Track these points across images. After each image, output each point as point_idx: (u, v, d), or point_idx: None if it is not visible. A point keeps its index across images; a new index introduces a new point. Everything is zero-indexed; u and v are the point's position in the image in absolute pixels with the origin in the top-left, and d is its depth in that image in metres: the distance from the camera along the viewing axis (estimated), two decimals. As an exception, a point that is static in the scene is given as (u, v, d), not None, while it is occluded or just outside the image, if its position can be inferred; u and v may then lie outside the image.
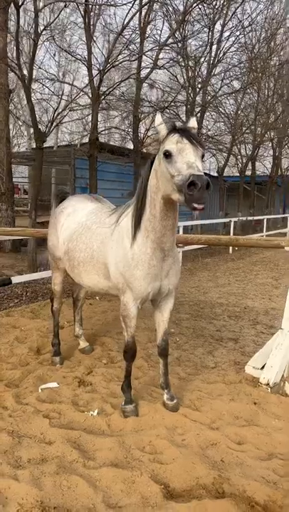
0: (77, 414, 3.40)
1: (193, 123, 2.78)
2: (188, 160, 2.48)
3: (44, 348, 4.85)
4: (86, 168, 11.79)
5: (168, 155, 2.58)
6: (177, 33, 13.66)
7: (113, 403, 3.59)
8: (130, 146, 16.42)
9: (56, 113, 8.90)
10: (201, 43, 15.42)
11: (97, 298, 7.25)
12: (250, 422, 3.41)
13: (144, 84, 12.66)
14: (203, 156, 2.61)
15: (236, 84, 17.95)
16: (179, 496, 2.60)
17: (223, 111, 17.94)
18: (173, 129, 2.62)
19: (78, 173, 12.70)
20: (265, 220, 17.78)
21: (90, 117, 12.37)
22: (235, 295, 8.23)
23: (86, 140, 15.47)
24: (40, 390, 3.79)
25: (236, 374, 4.30)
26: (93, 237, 3.49)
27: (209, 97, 16.09)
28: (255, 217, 17.68)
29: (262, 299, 7.99)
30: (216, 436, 3.17)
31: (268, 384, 3.89)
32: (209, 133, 17.10)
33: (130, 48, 11.19)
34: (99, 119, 11.53)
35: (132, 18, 10.99)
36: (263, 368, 4.14)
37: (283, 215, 24.44)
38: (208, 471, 2.76)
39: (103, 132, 12.68)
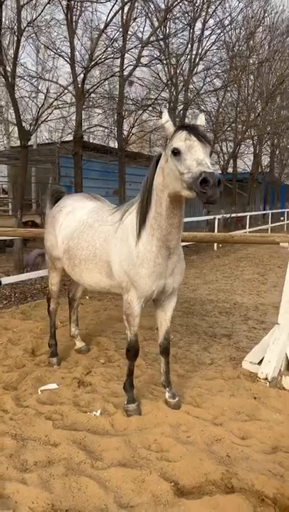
0: (80, 415, 3.38)
1: (201, 120, 2.78)
2: (197, 157, 2.48)
3: (39, 349, 4.80)
4: (70, 167, 11.68)
5: (176, 152, 2.58)
6: (159, 31, 13.66)
7: (115, 403, 3.58)
8: (113, 144, 16.37)
9: (40, 111, 8.77)
10: (182, 41, 15.45)
11: (87, 297, 7.21)
12: (252, 416, 3.45)
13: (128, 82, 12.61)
14: (211, 154, 2.62)
15: (218, 83, 18.08)
16: (189, 493, 2.61)
17: (204, 109, 18.03)
18: (180, 126, 2.62)
19: (62, 171, 12.57)
20: (248, 217, 17.98)
21: (71, 115, 12.30)
22: (223, 291, 8.30)
23: (68, 138, 15.37)
24: (39, 392, 3.74)
25: (233, 369, 4.34)
26: (96, 235, 3.47)
27: (191, 95, 16.16)
28: (239, 214, 17.84)
29: (250, 295, 8.09)
30: (220, 432, 3.20)
31: (266, 378, 3.94)
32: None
33: (113, 45, 11.10)
34: (82, 117, 11.41)
35: (114, 15, 10.93)
36: (260, 362, 4.19)
37: (264, 212, 24.82)
38: (216, 467, 2.78)
39: (88, 130, 12.54)
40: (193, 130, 2.57)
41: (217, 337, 5.49)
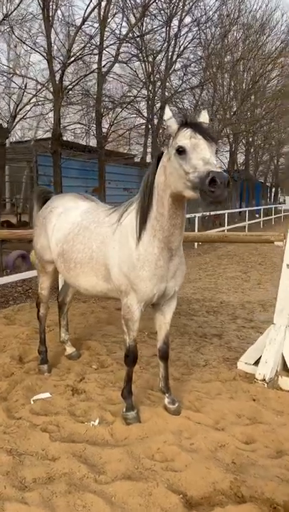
0: (77, 425, 3.23)
1: (204, 117, 2.67)
2: (203, 156, 2.38)
3: (27, 356, 4.60)
4: (49, 165, 11.42)
5: (181, 151, 2.47)
6: (136, 28, 13.54)
7: (112, 410, 3.45)
8: (91, 142, 16.15)
9: (18, 108, 8.50)
10: (159, 38, 15.39)
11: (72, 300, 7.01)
12: (254, 419, 3.39)
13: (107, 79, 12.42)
14: (216, 152, 2.52)
15: (194, 81, 18.09)
16: (198, 505, 2.51)
17: (182, 106, 18.02)
18: (184, 124, 2.51)
19: (40, 170, 12.28)
20: (226, 215, 18.08)
21: (49, 112, 12.02)
22: (208, 290, 8.27)
23: (44, 136, 15.05)
24: (32, 402, 3.57)
25: (229, 371, 4.28)
26: (92, 237, 3.31)
27: (167, 93, 16.11)
28: (217, 212, 17.92)
29: (235, 293, 8.09)
30: (223, 437, 3.11)
31: (264, 379, 3.89)
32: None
33: (91, 42, 10.90)
34: (60, 115, 11.15)
35: (92, 10, 10.73)
36: (255, 363, 4.15)
37: (240, 209, 25.06)
38: (224, 475, 2.69)
39: (66, 128, 12.29)
40: (198, 127, 2.47)
41: (208, 337, 5.42)
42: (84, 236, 3.36)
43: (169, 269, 3.04)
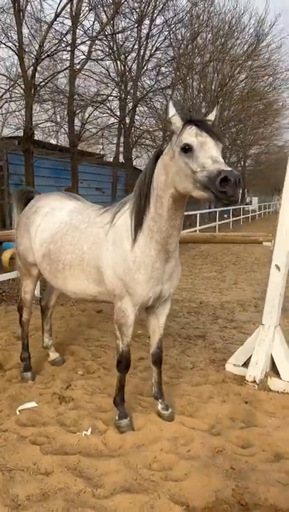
0: (69, 435, 3.08)
1: (212, 114, 2.57)
2: (211, 154, 2.29)
3: (7, 363, 4.38)
4: (20, 164, 11.08)
5: (187, 149, 2.37)
6: (108, 26, 13.39)
7: (104, 419, 3.31)
8: (63, 141, 15.83)
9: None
10: (131, 38, 15.29)
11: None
12: (248, 423, 3.34)
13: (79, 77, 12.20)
14: (223, 151, 2.44)
15: (166, 81, 18.10)
16: (202, 515, 2.43)
17: (152, 106, 17.99)
18: (190, 121, 2.41)
19: (11, 169, 11.89)
20: (198, 215, 18.19)
21: (20, 110, 11.66)
22: (186, 290, 8.24)
23: (12, 134, 14.60)
24: (18, 412, 3.38)
25: (217, 373, 4.23)
26: (82, 238, 3.14)
27: (139, 93, 16.04)
28: (190, 213, 17.97)
29: (213, 293, 8.09)
30: (220, 442, 3.05)
31: (254, 381, 3.86)
32: (142, 128, 17.04)
33: (64, 39, 10.66)
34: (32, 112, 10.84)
35: (64, 7, 10.49)
36: (244, 365, 4.12)
37: (210, 210, 25.29)
38: (225, 483, 2.62)
39: (39, 126, 11.96)
40: (203, 125, 2.38)
41: (192, 339, 5.36)
42: (73, 236, 3.20)
43: (165, 271, 2.93)
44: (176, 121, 2.47)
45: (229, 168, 2.18)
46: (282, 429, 3.25)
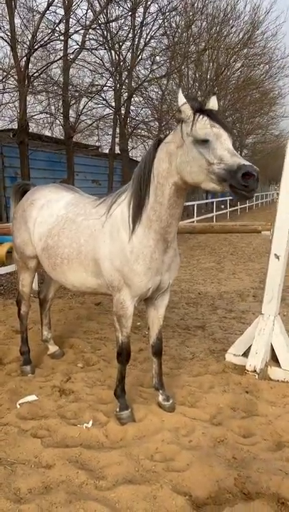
0: (70, 428, 3.07)
1: (213, 102, 2.53)
2: (228, 147, 2.31)
3: (6, 357, 4.36)
4: (15, 157, 10.98)
5: (204, 140, 2.35)
6: (102, 15, 13.19)
7: (104, 410, 3.31)
8: (57, 133, 15.68)
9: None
10: (125, 27, 15.07)
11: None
12: (249, 412, 3.34)
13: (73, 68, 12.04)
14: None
15: (161, 71, 17.90)
16: (205, 504, 2.43)
17: (148, 96, 17.83)
18: (200, 110, 2.40)
19: (6, 161, 11.79)
20: (195, 206, 18.15)
21: (14, 102, 11.53)
22: (185, 281, 8.23)
23: (7, 126, 14.46)
24: (18, 406, 3.37)
25: (217, 363, 4.23)
26: (79, 231, 3.11)
27: (134, 83, 15.86)
28: (186, 204, 17.93)
29: (211, 284, 8.08)
30: (221, 432, 3.05)
31: (254, 371, 3.86)
32: (137, 118, 16.89)
33: (56, 28, 10.49)
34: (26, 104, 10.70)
35: (56, -5, 10.32)
36: (244, 354, 4.11)
37: (207, 201, 25.23)
38: (227, 472, 2.62)
39: (33, 117, 11.83)
40: (215, 116, 2.41)
41: (191, 329, 5.36)
42: (70, 230, 3.16)
43: (164, 261, 2.91)
44: (187, 109, 2.45)
45: (249, 163, 2.20)
46: (283, 417, 3.26)
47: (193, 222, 16.24)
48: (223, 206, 27.22)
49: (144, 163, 2.75)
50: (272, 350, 4.02)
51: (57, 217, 3.29)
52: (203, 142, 2.36)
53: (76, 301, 6.56)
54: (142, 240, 2.79)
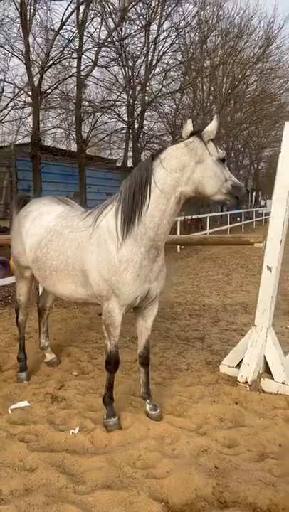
0: (56, 434, 3.14)
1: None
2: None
3: (5, 364, 4.48)
4: (28, 170, 11.28)
5: (223, 160, 2.90)
6: (115, 32, 13.55)
7: (93, 418, 3.37)
8: (72, 146, 16.02)
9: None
10: (139, 43, 15.43)
11: (53, 306, 6.89)
12: (236, 423, 3.35)
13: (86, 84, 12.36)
14: None
15: (175, 85, 18.18)
16: (181, 511, 2.46)
17: (162, 111, 18.11)
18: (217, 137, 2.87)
19: (20, 175, 12.11)
20: (208, 219, 18.18)
21: (28, 116, 11.89)
22: (191, 293, 8.25)
23: (24, 140, 14.88)
24: (10, 411, 3.46)
25: (211, 374, 4.24)
26: (66, 243, 3.23)
27: (148, 98, 16.14)
28: (199, 216, 18.01)
29: (217, 296, 8.08)
30: (206, 441, 3.07)
31: (246, 382, 3.87)
32: (150, 132, 17.13)
33: (70, 46, 10.84)
34: (40, 119, 11.04)
35: (70, 14, 10.68)
36: (238, 366, 4.12)
37: (221, 213, 25.24)
38: (206, 481, 2.64)
39: (46, 132, 12.16)
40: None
41: (190, 341, 5.39)
42: (58, 242, 3.29)
43: (152, 269, 3.02)
44: (215, 131, 2.86)
45: None
46: (270, 429, 3.25)
47: (206, 234, 16.28)
48: (238, 219, 27.16)
49: (140, 175, 2.90)
50: (266, 362, 4.02)
51: (45, 230, 3.43)
52: (223, 162, 2.89)
53: (80, 311, 6.66)
54: (132, 248, 2.90)
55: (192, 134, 2.90)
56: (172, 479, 2.65)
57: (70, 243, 3.20)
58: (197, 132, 2.87)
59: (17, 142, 14.02)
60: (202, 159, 2.83)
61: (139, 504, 2.44)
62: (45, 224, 3.47)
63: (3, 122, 9.67)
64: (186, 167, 2.84)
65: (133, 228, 2.90)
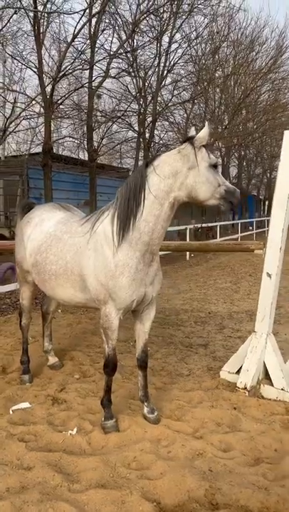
0: (55, 434, 3.21)
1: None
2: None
3: (10, 367, 4.58)
4: (40, 178, 11.49)
5: (215, 165, 2.96)
6: (127, 44, 13.79)
7: (91, 420, 3.43)
8: (83, 155, 16.26)
9: (8, 121, 8.59)
10: (150, 54, 15.66)
11: (59, 311, 7.00)
12: (233, 427, 3.37)
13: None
14: None
15: (185, 95, 18.35)
16: (172, 512, 2.49)
17: (173, 120, 18.27)
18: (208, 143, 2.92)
19: (32, 183, 12.34)
20: (218, 227, 18.19)
21: (40, 125, 12.14)
22: (198, 301, 8.27)
23: (37, 150, 15.16)
24: (11, 412, 3.55)
25: (212, 380, 4.27)
26: (65, 248, 3.33)
27: (159, 108, 16.32)
28: (210, 224, 18.04)
29: (224, 304, 8.09)
30: (201, 445, 3.10)
31: (245, 388, 3.88)
32: (161, 142, 17.30)
33: (81, 57, 11.08)
34: (51, 128, 11.27)
35: (82, 27, 10.93)
36: (238, 372, 4.14)
37: (233, 222, 25.22)
38: (199, 483, 2.67)
39: (57, 142, 12.41)
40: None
41: (193, 347, 5.41)
42: (57, 247, 3.39)
43: (148, 273, 3.08)
44: (205, 140, 2.92)
45: None
46: (267, 434, 3.27)
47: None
48: (250, 228, 27.10)
49: (135, 182, 2.99)
50: (266, 368, 4.03)
51: (46, 235, 3.53)
52: (215, 168, 2.95)
53: (86, 316, 6.74)
54: (127, 252, 2.98)
55: (185, 140, 2.98)
56: (165, 481, 2.69)
57: (69, 248, 3.29)
58: (190, 139, 2.94)
59: (31, 151, 14.30)
60: (194, 165, 2.89)
61: (131, 504, 2.48)
62: (45, 229, 3.58)
63: (16, 132, 9.90)
64: (179, 173, 2.91)
65: (128, 233, 2.97)
